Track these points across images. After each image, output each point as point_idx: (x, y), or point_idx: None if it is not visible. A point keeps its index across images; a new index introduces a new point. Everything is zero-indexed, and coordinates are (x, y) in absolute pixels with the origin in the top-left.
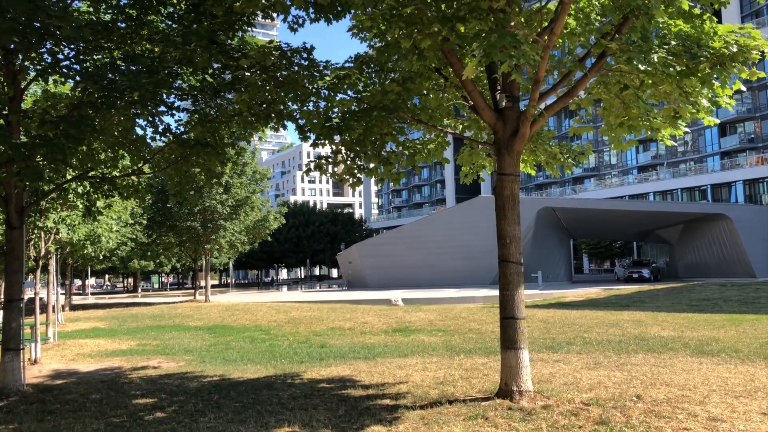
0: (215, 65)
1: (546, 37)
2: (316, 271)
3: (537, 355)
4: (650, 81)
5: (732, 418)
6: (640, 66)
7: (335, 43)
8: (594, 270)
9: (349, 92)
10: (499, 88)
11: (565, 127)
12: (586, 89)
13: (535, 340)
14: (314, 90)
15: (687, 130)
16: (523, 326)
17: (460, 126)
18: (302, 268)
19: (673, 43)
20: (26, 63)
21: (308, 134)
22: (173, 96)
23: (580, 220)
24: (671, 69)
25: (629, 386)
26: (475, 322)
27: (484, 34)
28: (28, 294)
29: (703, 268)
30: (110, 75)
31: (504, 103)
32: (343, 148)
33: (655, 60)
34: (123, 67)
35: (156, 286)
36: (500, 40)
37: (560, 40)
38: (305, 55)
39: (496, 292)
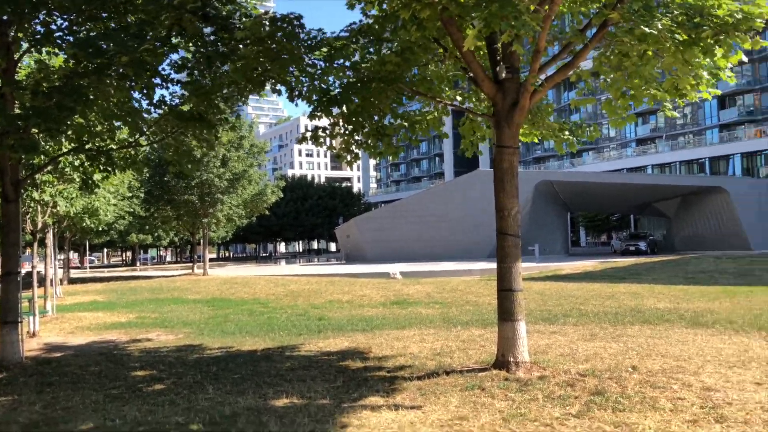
0: (210, 38)
1: (546, 7)
2: (315, 245)
3: (533, 326)
4: (651, 52)
5: (726, 388)
6: (645, 29)
7: (330, 14)
8: (591, 243)
9: (345, 63)
10: (499, 58)
11: (564, 99)
12: (588, 60)
13: (532, 312)
14: (310, 63)
15: (687, 100)
16: (521, 298)
17: (460, 97)
18: (300, 242)
19: (676, 12)
20: (19, 34)
21: (296, 98)
22: (168, 68)
23: (577, 193)
24: (676, 37)
25: (625, 357)
26: (472, 295)
27: (484, 4)
28: (25, 268)
29: (699, 241)
30: (100, 43)
31: (504, 74)
32: (341, 121)
33: (659, 27)
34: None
35: (153, 258)
36: (501, 9)
37: (563, 8)
38: (296, 23)
39: (493, 265)
